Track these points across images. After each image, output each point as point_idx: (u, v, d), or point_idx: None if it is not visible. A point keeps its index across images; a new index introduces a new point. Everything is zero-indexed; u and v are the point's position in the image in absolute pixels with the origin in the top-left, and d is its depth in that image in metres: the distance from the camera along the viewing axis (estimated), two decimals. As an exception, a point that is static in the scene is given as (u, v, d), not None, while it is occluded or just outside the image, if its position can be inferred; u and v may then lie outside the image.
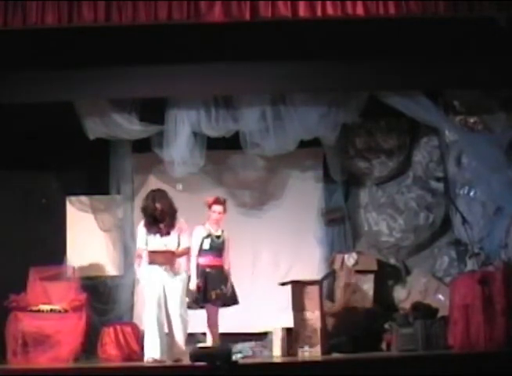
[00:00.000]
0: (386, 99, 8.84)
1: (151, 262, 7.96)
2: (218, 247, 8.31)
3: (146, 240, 8.17)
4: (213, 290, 8.12)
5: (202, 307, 8.21)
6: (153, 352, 7.84)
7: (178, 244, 8.14)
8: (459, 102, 9.16)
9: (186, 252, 8.18)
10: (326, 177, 9.89)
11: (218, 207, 8.37)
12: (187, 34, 8.07)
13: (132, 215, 9.84)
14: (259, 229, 9.70)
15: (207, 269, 8.23)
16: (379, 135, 9.79)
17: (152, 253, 8.00)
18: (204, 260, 8.26)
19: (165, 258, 8.00)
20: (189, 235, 8.24)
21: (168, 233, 8.14)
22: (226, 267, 8.32)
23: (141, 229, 8.24)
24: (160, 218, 8.12)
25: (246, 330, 8.56)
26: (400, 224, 9.72)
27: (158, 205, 8.12)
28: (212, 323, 8.23)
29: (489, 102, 9.04)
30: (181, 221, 8.24)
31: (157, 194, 8.22)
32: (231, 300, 8.26)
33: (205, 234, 8.34)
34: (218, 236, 8.35)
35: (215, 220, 8.39)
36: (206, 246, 8.29)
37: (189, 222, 9.72)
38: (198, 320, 8.49)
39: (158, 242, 8.12)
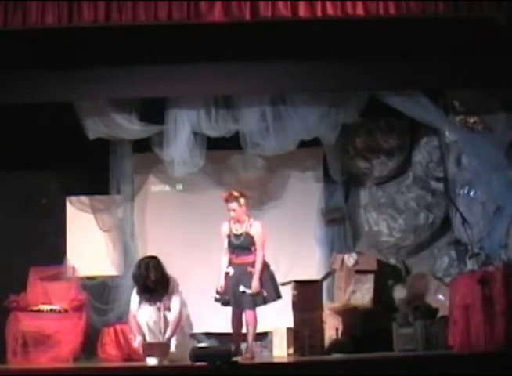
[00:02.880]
0: (386, 99, 8.83)
1: (146, 356, 7.69)
2: (241, 246, 8.09)
3: (138, 306, 8.00)
4: (225, 294, 8.05)
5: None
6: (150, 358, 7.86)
7: (170, 309, 7.96)
8: (459, 102, 9.16)
9: (178, 318, 7.94)
10: (326, 177, 9.88)
11: (231, 205, 8.11)
12: (187, 34, 8.06)
13: (132, 215, 9.84)
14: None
15: (228, 268, 8.12)
16: (379, 135, 9.78)
17: (146, 345, 7.78)
18: (230, 257, 8.16)
19: (160, 350, 7.71)
20: (180, 297, 8.02)
21: (160, 301, 7.96)
22: (258, 263, 7.99)
23: (134, 296, 8.06)
24: (153, 287, 7.92)
25: (246, 330, 8.54)
26: (400, 224, 9.71)
27: (152, 275, 7.90)
28: (232, 324, 8.15)
29: (489, 102, 9.03)
30: (172, 283, 8.01)
31: (151, 262, 7.97)
32: (261, 299, 8.00)
33: (227, 232, 8.18)
34: (239, 235, 8.12)
35: (233, 218, 8.15)
36: (226, 244, 8.16)
37: (189, 222, 9.78)
38: (199, 320, 8.51)
39: (151, 308, 7.96)
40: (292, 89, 8.79)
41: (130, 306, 8.10)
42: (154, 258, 8.07)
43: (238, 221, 8.17)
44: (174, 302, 7.96)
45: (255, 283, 7.96)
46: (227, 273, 8.13)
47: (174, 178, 9.64)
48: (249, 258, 8.09)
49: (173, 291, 8.00)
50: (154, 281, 7.90)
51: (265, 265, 8.12)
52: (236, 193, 8.17)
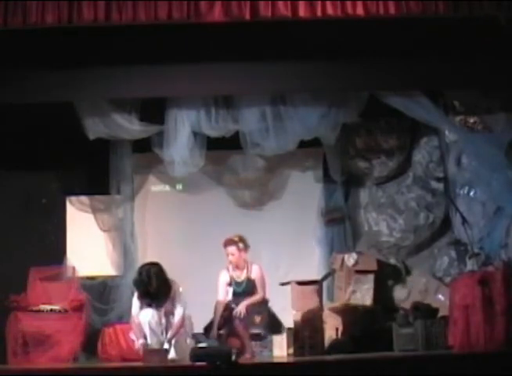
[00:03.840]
0: (386, 99, 8.83)
1: (145, 362, 7.62)
2: (244, 292, 8.19)
3: (139, 309, 7.97)
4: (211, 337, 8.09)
5: None
6: None
7: (172, 313, 7.95)
8: (459, 102, 9.16)
9: (181, 323, 7.94)
10: (326, 177, 9.87)
11: (230, 249, 8.20)
12: (187, 34, 8.06)
13: (132, 215, 9.84)
14: (259, 229, 9.69)
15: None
16: (379, 135, 9.78)
17: (146, 352, 7.74)
18: (229, 301, 8.20)
19: (159, 357, 7.63)
20: (182, 301, 7.99)
21: (162, 306, 7.94)
22: (257, 296, 8.07)
23: (135, 300, 8.04)
24: (154, 294, 7.87)
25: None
26: (400, 224, 9.71)
27: (153, 282, 7.84)
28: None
29: (489, 102, 9.03)
30: (174, 288, 7.97)
31: (152, 270, 7.88)
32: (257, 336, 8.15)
33: (228, 280, 8.22)
34: (241, 282, 8.21)
35: (231, 263, 8.21)
36: (223, 293, 8.21)
37: (189, 221, 9.78)
38: (199, 320, 8.50)
39: (152, 310, 7.92)
40: (292, 89, 8.79)
41: (132, 310, 8.09)
42: (155, 264, 8.01)
43: (237, 267, 8.24)
44: (177, 307, 7.95)
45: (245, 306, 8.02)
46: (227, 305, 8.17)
47: (174, 178, 9.64)
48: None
49: (175, 295, 7.98)
50: (156, 288, 7.86)
51: (264, 303, 8.20)
52: (235, 238, 8.26)
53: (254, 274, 8.23)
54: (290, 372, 6.99)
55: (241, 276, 8.28)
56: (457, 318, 7.80)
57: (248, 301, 8.11)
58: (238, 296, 8.22)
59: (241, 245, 8.25)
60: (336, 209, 9.79)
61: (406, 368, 6.84)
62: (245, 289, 8.22)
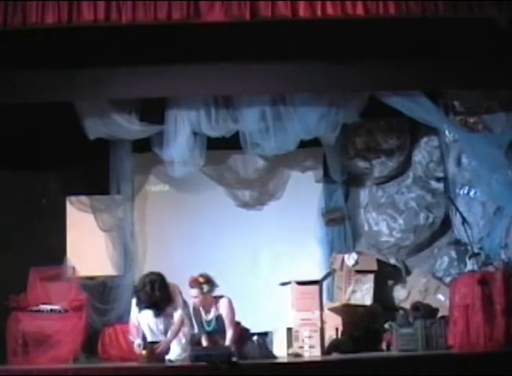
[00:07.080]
0: (386, 99, 8.84)
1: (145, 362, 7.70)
2: (214, 330, 8.00)
3: (138, 313, 7.99)
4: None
5: None
6: None
7: (171, 316, 7.96)
8: (459, 102, 9.16)
9: (180, 326, 7.92)
10: (326, 177, 9.88)
11: (193, 291, 7.95)
12: (187, 34, 8.06)
13: (132, 215, 9.84)
14: (259, 229, 9.71)
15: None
16: (379, 135, 9.78)
17: (145, 358, 7.77)
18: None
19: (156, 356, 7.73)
20: (181, 305, 7.98)
21: (161, 313, 7.93)
22: (228, 341, 7.85)
23: (134, 306, 8.04)
24: (155, 303, 7.86)
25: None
26: (400, 224, 9.71)
27: (156, 294, 7.81)
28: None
29: (489, 102, 9.04)
30: (174, 292, 7.94)
31: (156, 283, 7.84)
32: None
33: (197, 318, 8.07)
34: (210, 321, 8.00)
35: (196, 304, 8.01)
36: (199, 330, 8.09)
37: (189, 221, 9.79)
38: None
39: (152, 313, 7.93)
40: (292, 89, 8.79)
41: (131, 314, 8.11)
42: (159, 275, 7.96)
43: (203, 307, 8.02)
44: (177, 310, 7.96)
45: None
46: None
47: (174, 178, 9.63)
48: (221, 340, 7.99)
49: (174, 299, 7.99)
50: (158, 298, 7.87)
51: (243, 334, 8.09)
52: (200, 279, 7.97)
53: (222, 309, 7.95)
54: (290, 372, 7.00)
55: (209, 314, 8.02)
56: (457, 318, 7.81)
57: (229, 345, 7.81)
58: (209, 335, 8.03)
59: (205, 288, 7.92)
60: (336, 209, 9.79)
61: (406, 368, 6.85)
62: (215, 327, 7.98)
